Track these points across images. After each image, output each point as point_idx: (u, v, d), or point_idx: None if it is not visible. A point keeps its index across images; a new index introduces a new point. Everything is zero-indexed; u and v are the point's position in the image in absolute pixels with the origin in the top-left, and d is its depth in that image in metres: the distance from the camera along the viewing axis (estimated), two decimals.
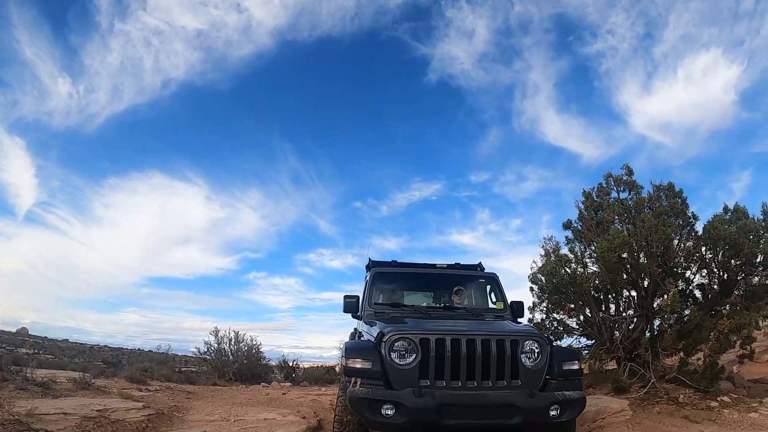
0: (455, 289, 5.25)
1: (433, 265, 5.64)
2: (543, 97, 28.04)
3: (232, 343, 8.64)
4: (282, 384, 7.60)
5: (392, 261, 5.74)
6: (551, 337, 4.95)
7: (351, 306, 4.85)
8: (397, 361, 3.32)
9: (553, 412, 3.29)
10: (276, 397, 6.76)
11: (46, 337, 24.91)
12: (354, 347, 3.63)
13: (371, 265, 5.58)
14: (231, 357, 8.57)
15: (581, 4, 25.60)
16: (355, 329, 5.75)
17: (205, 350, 8.53)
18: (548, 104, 28.00)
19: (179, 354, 8.27)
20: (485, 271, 5.72)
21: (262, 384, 7.73)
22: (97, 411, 4.40)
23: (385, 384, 3.27)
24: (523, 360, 3.47)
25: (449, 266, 5.67)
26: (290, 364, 8.72)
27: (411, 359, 3.33)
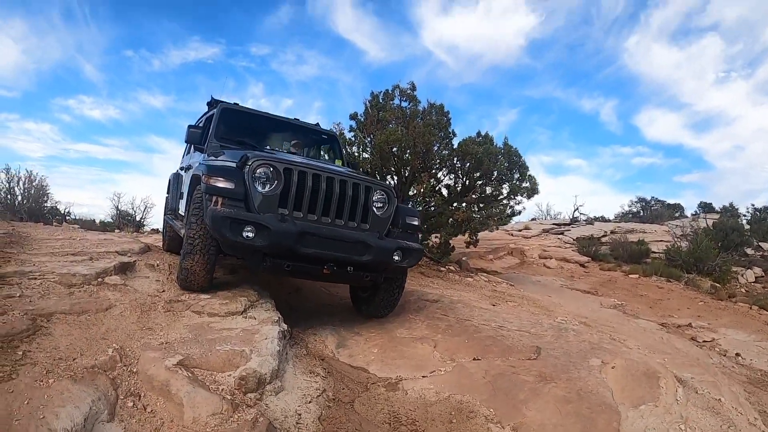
0: (293, 142, 5.34)
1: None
2: None
3: (24, 183, 8.32)
4: (73, 226, 7.74)
5: (234, 103, 5.53)
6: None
7: (195, 136, 4.67)
8: (258, 187, 3.30)
9: (396, 257, 3.57)
10: (88, 233, 6.88)
11: None
12: (217, 167, 3.51)
13: (214, 102, 5.50)
14: (20, 198, 8.26)
15: None
16: (179, 171, 5.75)
17: None
18: None
19: None
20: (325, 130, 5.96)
21: (54, 223, 7.76)
22: None
23: (245, 208, 3.26)
24: (373, 207, 3.66)
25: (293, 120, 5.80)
26: (62, 211, 8.73)
27: (272, 187, 3.32)
